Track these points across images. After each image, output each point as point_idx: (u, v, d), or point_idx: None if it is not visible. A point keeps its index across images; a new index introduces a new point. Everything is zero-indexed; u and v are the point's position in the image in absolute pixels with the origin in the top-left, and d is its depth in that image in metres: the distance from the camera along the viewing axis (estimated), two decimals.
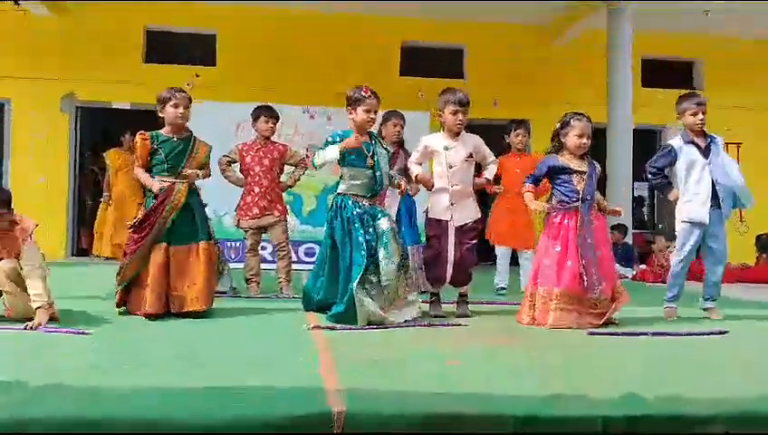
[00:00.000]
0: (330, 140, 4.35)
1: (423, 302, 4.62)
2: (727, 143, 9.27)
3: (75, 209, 9.95)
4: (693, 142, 4.63)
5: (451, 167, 4.51)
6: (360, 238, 4.17)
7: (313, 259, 8.78)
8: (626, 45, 8.73)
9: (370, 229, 4.23)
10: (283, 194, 5.88)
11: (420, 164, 4.64)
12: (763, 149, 10.61)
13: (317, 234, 8.94)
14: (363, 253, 4.14)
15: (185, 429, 2.05)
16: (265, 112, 5.81)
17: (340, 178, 4.43)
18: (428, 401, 2.30)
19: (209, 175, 4.67)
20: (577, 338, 3.91)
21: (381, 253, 4.20)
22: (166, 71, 9.79)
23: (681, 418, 2.27)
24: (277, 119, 5.86)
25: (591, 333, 3.97)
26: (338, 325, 3.99)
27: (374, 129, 4.60)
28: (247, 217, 5.69)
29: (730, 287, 6.84)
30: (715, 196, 4.58)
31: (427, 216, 4.65)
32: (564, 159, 4.39)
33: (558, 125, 4.46)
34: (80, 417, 2.05)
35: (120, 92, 9.81)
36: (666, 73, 11.05)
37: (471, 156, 4.58)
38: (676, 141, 4.70)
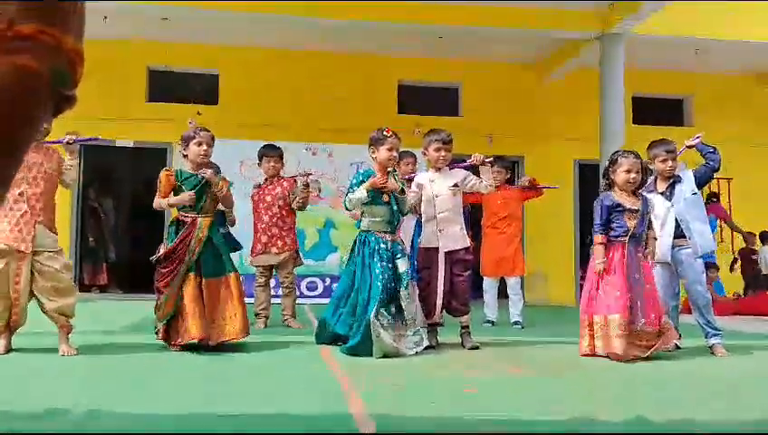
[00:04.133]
0: (354, 181, 4.57)
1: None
2: (718, 178, 9.66)
3: (78, 246, 10.03)
4: (656, 191, 4.78)
5: (437, 196, 4.75)
6: (378, 271, 4.32)
7: (315, 293, 8.96)
8: (617, 82, 8.98)
9: (390, 265, 4.38)
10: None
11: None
12: (754, 183, 10.85)
13: (319, 268, 9.09)
14: (380, 285, 4.28)
15: None
16: (268, 152, 6.06)
17: (362, 215, 4.61)
18: (451, 424, 2.42)
19: (231, 200, 4.74)
20: (585, 363, 4.06)
21: (403, 293, 4.37)
22: (168, 109, 10.01)
23: None
24: (280, 156, 6.08)
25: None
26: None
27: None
28: (253, 254, 5.92)
29: (726, 319, 7.01)
30: (682, 235, 4.66)
31: (418, 247, 4.84)
32: (617, 196, 4.51)
33: (607, 163, 4.67)
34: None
35: (124, 130, 9.97)
36: (656, 111, 11.36)
37: (456, 185, 4.80)
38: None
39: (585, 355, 4.37)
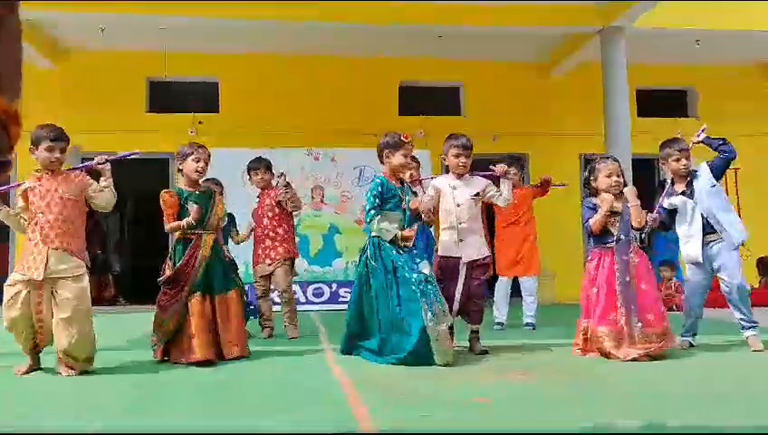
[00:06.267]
0: (371, 194, 4.37)
1: None
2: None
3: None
4: (675, 193, 4.73)
5: (459, 205, 4.61)
6: (407, 274, 4.14)
7: (321, 299, 8.90)
8: (620, 75, 8.90)
9: (414, 265, 4.22)
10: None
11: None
12: (760, 174, 10.74)
13: (325, 274, 9.02)
14: (414, 288, 4.09)
15: None
16: (253, 166, 6.03)
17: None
18: (456, 431, 2.35)
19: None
20: (597, 367, 3.97)
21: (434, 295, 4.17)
22: (169, 119, 9.98)
23: None
24: (267, 167, 6.01)
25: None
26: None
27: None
28: (253, 266, 5.97)
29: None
30: (712, 230, 4.59)
31: (436, 254, 4.72)
32: (599, 202, 4.46)
33: (586, 173, 4.61)
34: None
35: (125, 142, 9.92)
36: (660, 103, 11.27)
37: (478, 194, 4.68)
38: (665, 201, 4.76)
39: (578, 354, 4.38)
